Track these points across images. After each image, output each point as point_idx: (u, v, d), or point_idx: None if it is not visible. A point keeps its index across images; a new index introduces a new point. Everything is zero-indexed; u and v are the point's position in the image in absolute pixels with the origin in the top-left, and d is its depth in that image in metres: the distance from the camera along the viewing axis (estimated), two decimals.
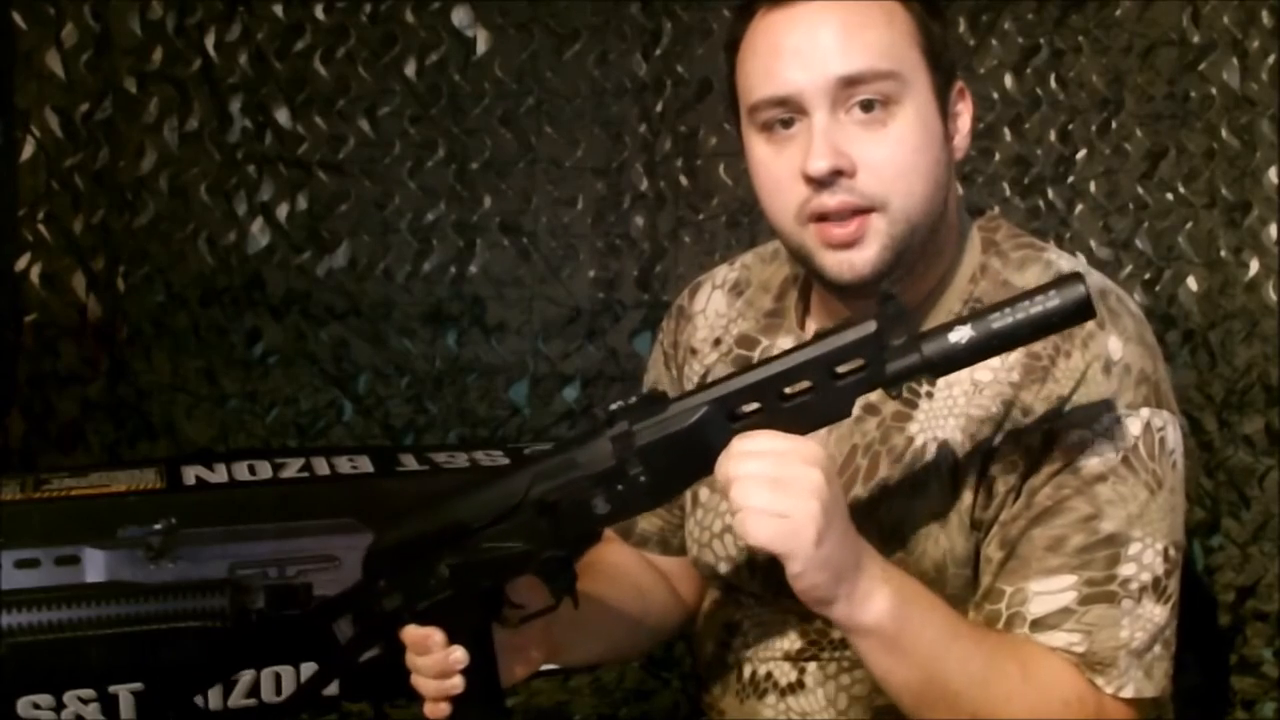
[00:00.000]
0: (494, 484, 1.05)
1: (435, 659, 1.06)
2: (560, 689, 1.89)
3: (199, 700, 1.54)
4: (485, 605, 1.08)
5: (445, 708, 1.08)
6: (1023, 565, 1.05)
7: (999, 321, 0.93)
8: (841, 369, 0.95)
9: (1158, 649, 1.06)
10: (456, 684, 1.07)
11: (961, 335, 0.93)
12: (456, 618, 1.06)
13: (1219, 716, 1.81)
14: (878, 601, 0.98)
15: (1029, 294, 0.93)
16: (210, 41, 1.95)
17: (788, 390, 0.96)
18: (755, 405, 0.97)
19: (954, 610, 1.04)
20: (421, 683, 1.08)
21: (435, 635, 1.06)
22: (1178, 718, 1.21)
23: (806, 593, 0.97)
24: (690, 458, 0.97)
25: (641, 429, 0.98)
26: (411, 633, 1.07)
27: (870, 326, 0.93)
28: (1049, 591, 1.04)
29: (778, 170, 1.07)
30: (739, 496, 0.94)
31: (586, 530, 1.03)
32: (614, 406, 1.00)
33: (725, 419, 0.97)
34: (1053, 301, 0.92)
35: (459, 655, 1.06)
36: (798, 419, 0.95)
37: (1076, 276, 0.93)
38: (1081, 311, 0.92)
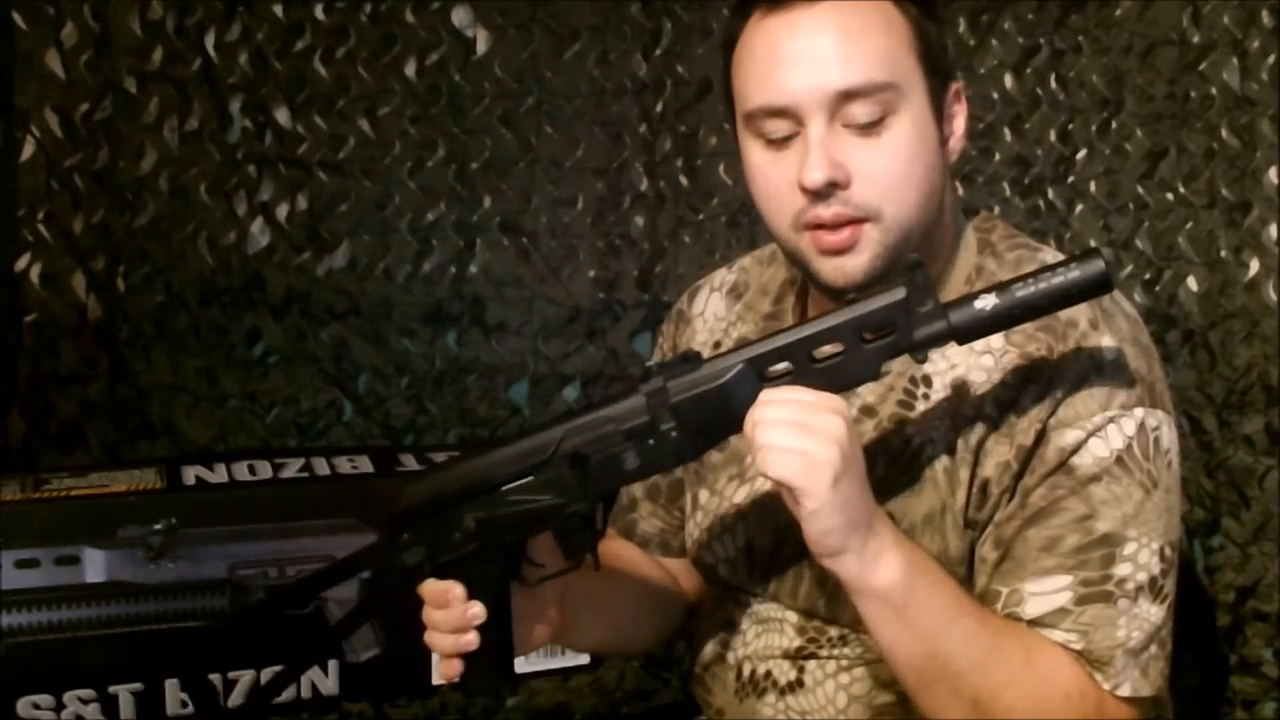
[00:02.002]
0: (525, 439, 1.06)
1: (453, 613, 1.06)
2: (560, 689, 1.88)
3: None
4: (506, 562, 1.08)
5: (458, 665, 1.08)
6: (1018, 566, 1.05)
7: (1022, 291, 0.97)
8: (870, 334, 0.98)
9: (1154, 649, 1.06)
10: (472, 640, 1.07)
11: (986, 303, 0.97)
12: (477, 573, 1.07)
13: (1219, 716, 1.81)
14: (888, 564, 0.99)
15: (1051, 266, 0.97)
16: (210, 41, 1.95)
17: (818, 353, 0.99)
18: (786, 366, 1.00)
19: (961, 588, 1.04)
20: (436, 639, 1.08)
21: (455, 589, 1.06)
22: (1178, 718, 1.21)
23: (819, 539, 0.98)
24: (722, 415, 1.00)
25: (675, 385, 1.01)
26: (431, 586, 1.07)
27: (900, 293, 0.97)
28: (1044, 592, 1.04)
29: (774, 177, 1.08)
30: (762, 436, 0.96)
31: (615, 486, 1.06)
32: (649, 363, 1.04)
33: (757, 378, 1.00)
34: (1073, 274, 0.96)
35: (477, 610, 1.06)
36: (826, 379, 0.99)
37: (1096, 251, 0.97)
38: (1101, 284, 0.96)
